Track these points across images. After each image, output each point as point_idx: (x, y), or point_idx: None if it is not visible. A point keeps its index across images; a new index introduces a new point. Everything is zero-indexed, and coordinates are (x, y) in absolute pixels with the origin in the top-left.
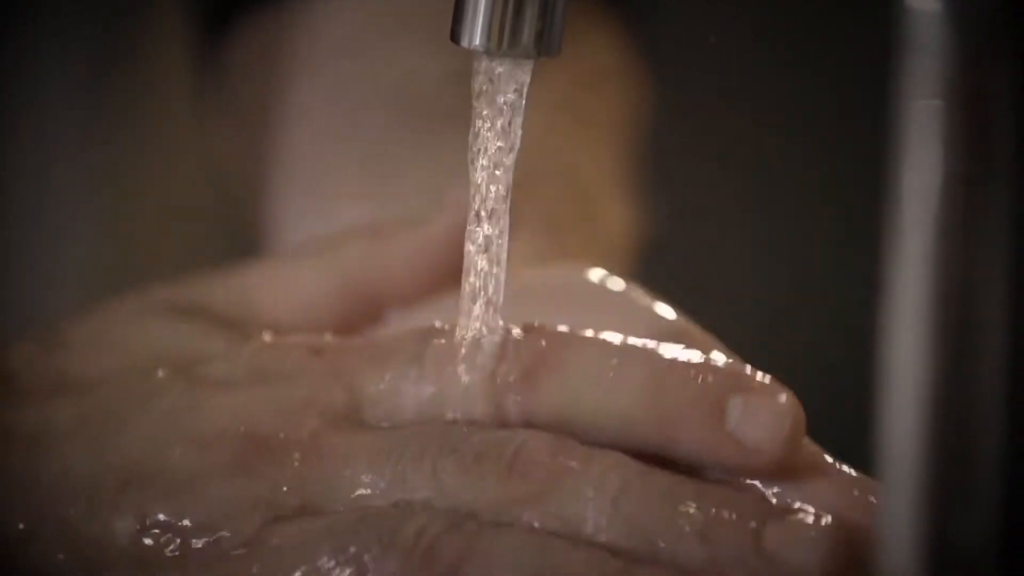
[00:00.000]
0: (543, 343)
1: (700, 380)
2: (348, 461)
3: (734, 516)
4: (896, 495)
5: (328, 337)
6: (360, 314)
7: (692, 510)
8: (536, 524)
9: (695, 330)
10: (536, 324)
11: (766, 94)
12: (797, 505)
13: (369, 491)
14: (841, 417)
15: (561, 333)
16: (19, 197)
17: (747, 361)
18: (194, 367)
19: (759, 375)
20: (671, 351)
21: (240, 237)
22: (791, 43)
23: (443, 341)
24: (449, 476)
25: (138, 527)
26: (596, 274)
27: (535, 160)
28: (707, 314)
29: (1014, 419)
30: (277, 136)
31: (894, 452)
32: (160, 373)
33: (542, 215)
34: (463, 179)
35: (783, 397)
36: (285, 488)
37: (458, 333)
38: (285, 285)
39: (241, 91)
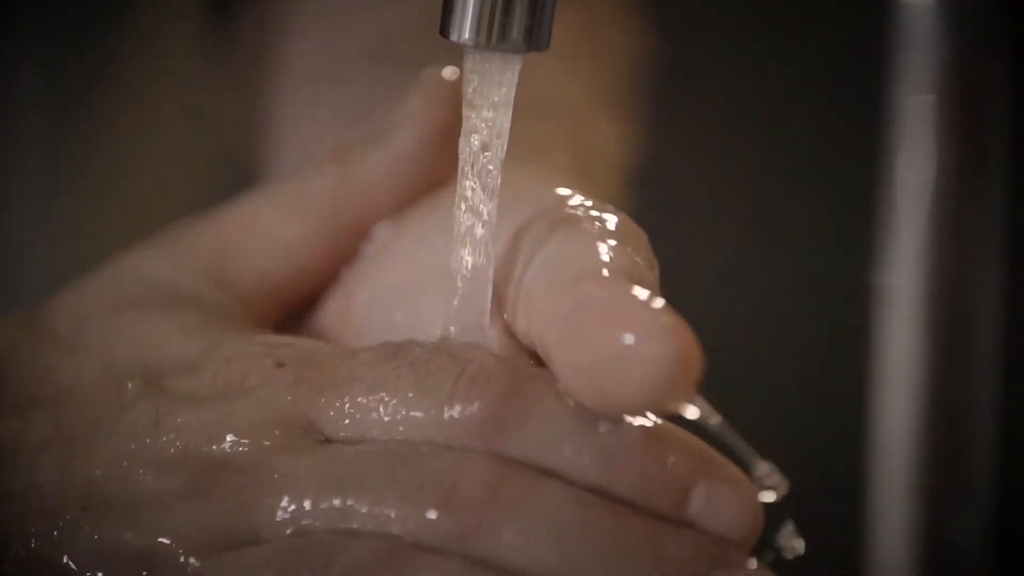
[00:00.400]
0: (512, 385)
1: (666, 462)
2: (297, 486)
3: (683, 560)
4: (890, 492)
5: (294, 343)
6: (342, 244)
7: (637, 551)
8: (473, 554)
9: (599, 208)
10: (507, 357)
11: (758, 93)
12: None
13: (314, 518)
14: (836, 415)
15: (530, 377)
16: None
17: (738, 369)
18: (163, 379)
19: (721, 459)
20: (639, 423)
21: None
22: (784, 38)
23: (408, 363)
24: (389, 505)
25: (93, 551)
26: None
27: (521, 91)
28: (696, 313)
29: (1008, 415)
30: (275, 102)
31: (888, 449)
32: (131, 385)
33: (524, 140)
34: (412, 89)
35: (745, 487)
36: (236, 513)
37: (442, 332)
38: (264, 232)
39: (246, 63)
